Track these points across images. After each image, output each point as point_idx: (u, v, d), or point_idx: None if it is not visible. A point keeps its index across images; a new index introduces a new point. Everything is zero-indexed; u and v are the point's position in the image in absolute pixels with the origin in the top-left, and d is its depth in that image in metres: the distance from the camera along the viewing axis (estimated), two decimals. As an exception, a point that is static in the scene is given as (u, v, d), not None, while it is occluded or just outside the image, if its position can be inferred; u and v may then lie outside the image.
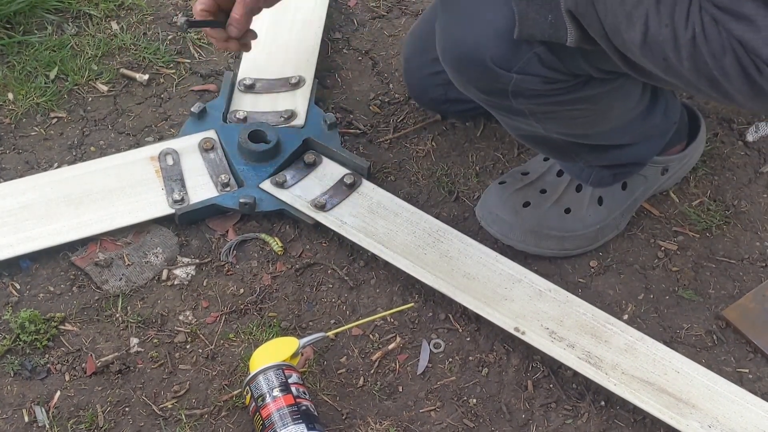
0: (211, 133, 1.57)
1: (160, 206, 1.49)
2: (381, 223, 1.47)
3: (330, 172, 1.54)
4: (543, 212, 1.46)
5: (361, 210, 1.49)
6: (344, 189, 1.51)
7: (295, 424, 1.22)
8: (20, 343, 1.37)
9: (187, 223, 1.50)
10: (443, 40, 1.24)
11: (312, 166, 1.54)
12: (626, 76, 1.21)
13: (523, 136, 1.41)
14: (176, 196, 1.49)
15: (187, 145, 1.56)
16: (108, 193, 1.51)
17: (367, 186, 1.52)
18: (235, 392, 1.33)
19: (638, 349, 1.34)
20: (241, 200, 1.48)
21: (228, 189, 1.51)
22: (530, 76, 1.18)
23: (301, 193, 1.50)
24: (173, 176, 1.52)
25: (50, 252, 1.45)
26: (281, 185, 1.51)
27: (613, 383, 1.30)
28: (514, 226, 1.45)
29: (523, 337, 1.34)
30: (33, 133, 1.64)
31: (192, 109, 1.60)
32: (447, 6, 1.23)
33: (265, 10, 1.85)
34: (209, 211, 1.50)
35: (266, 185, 1.51)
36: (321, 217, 1.48)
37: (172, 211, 1.48)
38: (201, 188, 1.51)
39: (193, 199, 1.50)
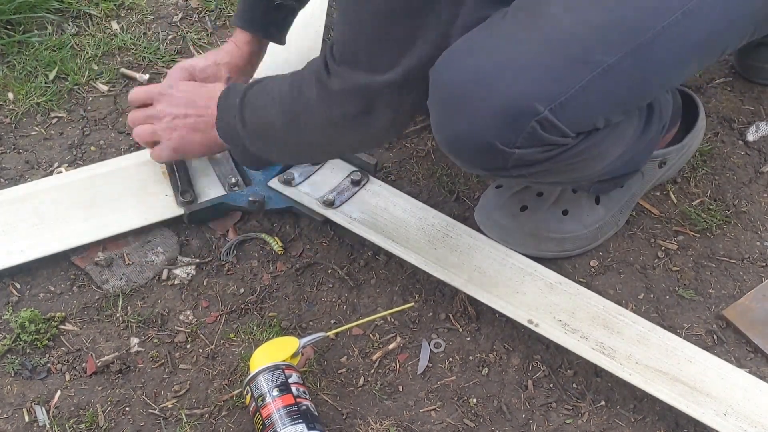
0: None
1: (169, 207, 1.49)
2: (390, 218, 1.48)
3: (337, 169, 1.54)
4: (541, 215, 1.46)
5: (369, 206, 1.49)
6: (352, 186, 1.51)
7: (295, 423, 1.22)
8: (20, 342, 1.37)
9: (196, 223, 1.50)
10: (443, 130, 1.17)
11: (318, 163, 1.54)
12: (629, 115, 1.23)
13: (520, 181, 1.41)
14: (184, 197, 1.48)
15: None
16: (117, 195, 1.51)
17: (374, 183, 1.53)
18: (236, 392, 1.33)
19: (650, 340, 1.34)
20: (251, 198, 1.48)
21: (236, 188, 1.51)
22: (532, 149, 1.13)
23: (309, 191, 1.51)
24: (180, 177, 1.52)
25: (57, 254, 1.45)
26: (289, 183, 1.51)
27: (627, 373, 1.30)
28: (514, 231, 1.45)
29: (536, 330, 1.35)
30: (33, 133, 1.64)
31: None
32: (436, 98, 1.15)
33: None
34: (218, 211, 1.50)
35: (274, 183, 1.51)
36: (330, 214, 1.48)
37: (181, 212, 1.48)
38: (209, 188, 1.51)
39: (202, 198, 1.50)
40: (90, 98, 1.69)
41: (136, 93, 1.48)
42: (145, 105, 1.47)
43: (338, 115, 1.22)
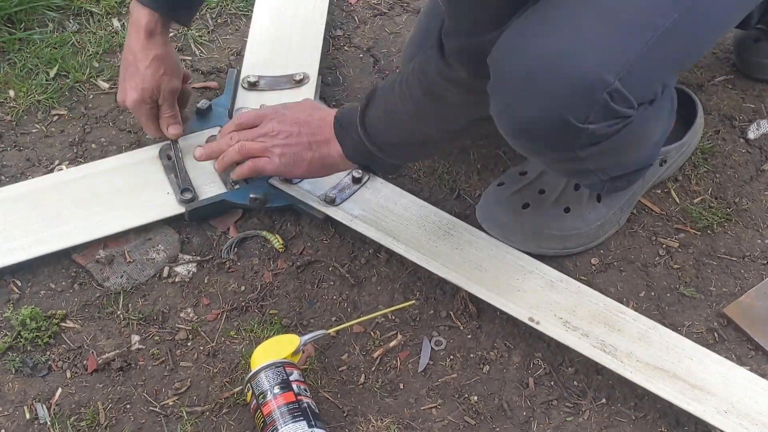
0: (217, 131, 1.56)
1: (170, 205, 1.49)
2: (391, 216, 1.47)
3: (338, 167, 1.54)
4: (543, 213, 1.46)
5: (370, 204, 1.49)
6: (353, 184, 1.51)
7: (295, 421, 1.22)
8: (21, 340, 1.37)
9: (197, 220, 1.50)
10: (512, 115, 1.17)
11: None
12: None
13: (561, 170, 1.39)
14: (185, 195, 1.48)
15: (194, 143, 1.55)
16: (117, 193, 1.51)
17: (375, 180, 1.52)
18: (236, 389, 1.33)
19: (651, 337, 1.34)
20: (252, 196, 1.48)
21: (236, 186, 1.51)
22: (602, 123, 1.15)
23: (310, 188, 1.51)
24: (181, 174, 1.51)
25: (57, 252, 1.45)
26: (290, 180, 1.51)
27: (628, 371, 1.30)
28: (515, 229, 1.45)
29: (537, 327, 1.35)
30: (34, 131, 1.64)
31: (198, 106, 1.60)
32: (502, 84, 1.17)
33: (265, 8, 1.86)
34: (219, 208, 1.50)
35: (275, 181, 1.51)
36: (331, 212, 1.48)
37: (182, 210, 1.48)
38: (209, 186, 1.51)
39: (202, 196, 1.50)
40: (91, 96, 1.69)
41: (245, 116, 1.47)
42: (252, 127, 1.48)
43: (464, 77, 1.23)
